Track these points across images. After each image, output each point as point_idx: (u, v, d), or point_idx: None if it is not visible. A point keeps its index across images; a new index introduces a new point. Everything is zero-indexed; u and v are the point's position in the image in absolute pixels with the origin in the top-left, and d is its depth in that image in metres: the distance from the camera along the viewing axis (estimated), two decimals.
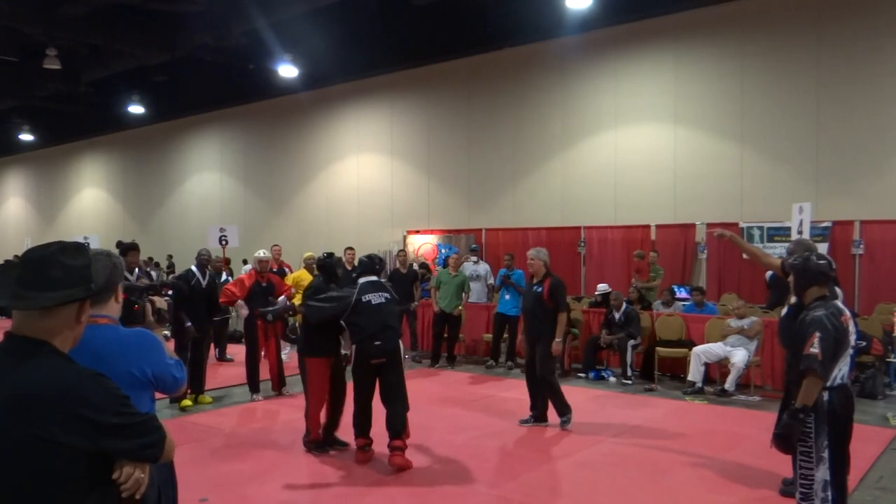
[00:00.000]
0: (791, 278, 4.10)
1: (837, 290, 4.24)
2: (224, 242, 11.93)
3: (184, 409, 7.67)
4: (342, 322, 5.85)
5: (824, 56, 10.86)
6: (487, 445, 6.32)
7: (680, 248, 12.00)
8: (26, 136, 23.39)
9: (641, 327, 9.43)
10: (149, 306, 2.72)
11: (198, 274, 8.09)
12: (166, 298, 2.87)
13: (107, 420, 1.81)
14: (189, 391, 7.78)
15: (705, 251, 11.73)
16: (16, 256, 13.43)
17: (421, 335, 11.18)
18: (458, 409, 7.74)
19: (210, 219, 18.83)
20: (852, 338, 3.84)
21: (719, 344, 8.55)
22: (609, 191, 12.94)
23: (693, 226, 11.86)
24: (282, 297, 8.75)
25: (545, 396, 6.99)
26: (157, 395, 2.55)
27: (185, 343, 7.57)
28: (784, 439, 3.65)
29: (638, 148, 12.62)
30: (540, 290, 6.82)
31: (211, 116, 20.15)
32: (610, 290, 10.07)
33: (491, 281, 11.34)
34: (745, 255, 9.82)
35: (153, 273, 14.01)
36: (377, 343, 5.68)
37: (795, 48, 11.08)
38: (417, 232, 15.46)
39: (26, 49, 15.08)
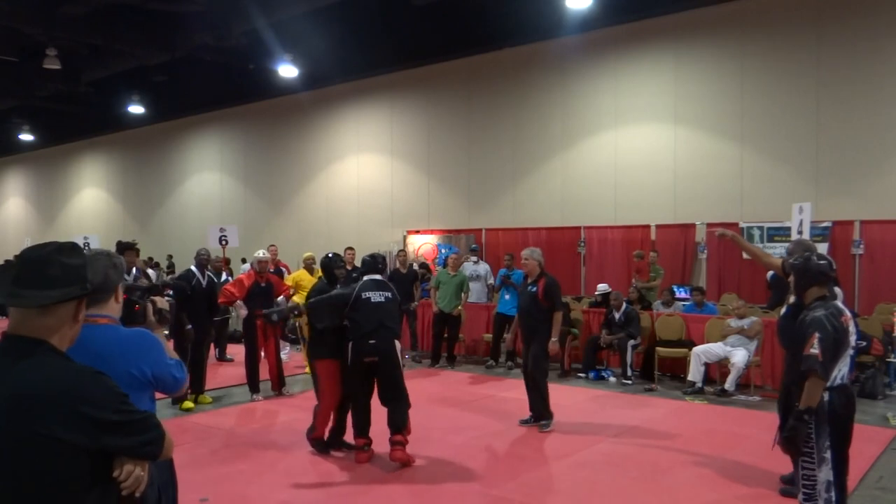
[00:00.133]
0: (791, 278, 4.10)
1: (837, 290, 4.24)
2: (224, 242, 11.93)
3: (186, 410, 7.66)
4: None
5: (824, 56, 10.86)
6: (487, 445, 6.32)
7: (680, 248, 12.00)
8: (26, 136, 23.39)
9: (641, 327, 9.44)
10: (150, 306, 2.72)
11: (197, 274, 8.09)
12: (168, 299, 2.86)
13: (107, 417, 1.82)
14: (189, 391, 7.78)
15: (705, 251, 11.73)
16: (16, 257, 13.40)
17: (421, 335, 11.18)
18: (458, 409, 7.74)
19: (210, 219, 18.82)
20: (852, 338, 3.85)
21: (719, 344, 8.55)
22: (609, 191, 12.94)
23: (693, 226, 11.86)
24: (281, 297, 8.76)
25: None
26: (159, 395, 2.55)
27: (184, 345, 7.56)
28: (791, 442, 3.65)
29: (638, 148, 12.62)
30: (535, 289, 6.80)
31: (211, 116, 20.14)
32: (610, 290, 10.07)
33: (491, 281, 11.35)
34: (745, 255, 9.83)
35: (152, 273, 14.02)
36: (371, 342, 5.69)
37: (795, 48, 11.08)
38: (417, 232, 15.46)
39: (26, 49, 15.07)
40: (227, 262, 12.62)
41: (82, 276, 1.91)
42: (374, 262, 6.13)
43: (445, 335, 10.47)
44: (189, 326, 7.57)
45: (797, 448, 3.66)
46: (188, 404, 7.74)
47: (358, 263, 8.58)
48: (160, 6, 13.19)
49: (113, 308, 2.44)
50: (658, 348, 9.04)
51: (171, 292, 7.79)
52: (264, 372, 8.44)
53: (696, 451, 6.09)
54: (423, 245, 15.21)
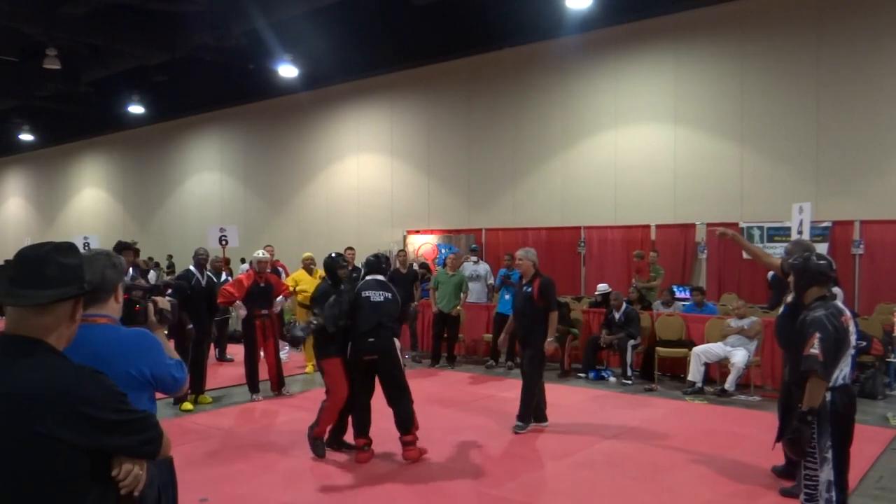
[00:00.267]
0: (791, 278, 4.10)
1: (837, 290, 4.25)
2: (224, 242, 11.93)
3: (186, 412, 7.66)
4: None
5: (824, 56, 10.85)
6: (487, 445, 6.32)
7: (680, 248, 12.00)
8: (26, 136, 23.38)
9: (641, 327, 9.44)
10: (151, 307, 2.72)
11: (196, 273, 8.09)
12: (169, 299, 2.85)
13: (106, 417, 1.83)
14: (189, 392, 7.77)
15: (705, 251, 11.73)
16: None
17: (421, 335, 11.19)
18: (458, 410, 7.74)
19: (210, 219, 18.82)
20: (853, 338, 3.85)
21: (719, 344, 8.55)
22: (609, 191, 12.94)
23: (693, 226, 11.86)
24: (280, 297, 8.76)
25: (542, 396, 6.99)
26: (159, 395, 2.55)
27: (185, 345, 7.56)
28: (796, 443, 3.65)
29: (638, 148, 12.62)
30: (530, 290, 6.78)
31: (211, 116, 20.14)
32: (610, 290, 10.07)
33: (491, 281, 11.35)
34: (745, 255, 9.83)
35: (152, 273, 14.02)
36: (370, 340, 5.71)
37: (795, 48, 11.08)
38: (417, 232, 15.46)
39: (26, 49, 15.07)
40: (226, 262, 12.62)
41: (79, 275, 1.92)
42: (378, 263, 6.15)
43: (445, 335, 10.47)
44: (190, 326, 7.57)
45: (802, 450, 3.66)
46: (187, 405, 7.74)
47: (358, 263, 8.58)
48: (160, 6, 13.18)
49: (112, 308, 2.44)
50: (658, 348, 9.04)
51: (169, 291, 7.79)
52: (264, 372, 8.44)
53: (696, 451, 6.09)
54: (423, 245, 15.21)
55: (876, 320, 9.06)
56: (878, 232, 10.35)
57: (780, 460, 5.39)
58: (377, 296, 5.88)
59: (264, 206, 19.14)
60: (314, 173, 17.91)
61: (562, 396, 8.21)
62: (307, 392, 8.70)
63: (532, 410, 6.83)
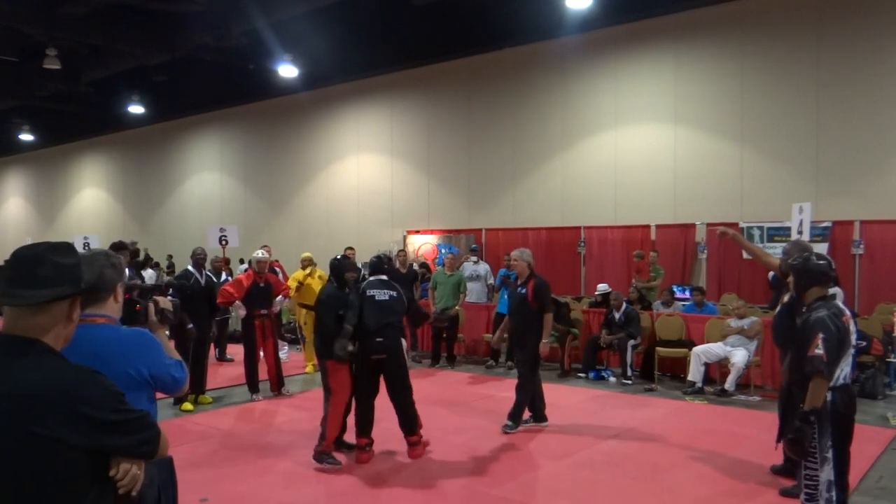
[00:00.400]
0: (791, 279, 4.11)
1: (838, 290, 4.25)
2: (224, 242, 11.92)
3: (186, 411, 7.65)
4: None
5: (824, 56, 10.85)
6: (487, 445, 6.32)
7: (680, 248, 11.99)
8: (26, 136, 23.38)
9: (641, 327, 9.43)
10: (151, 306, 2.71)
11: (195, 273, 8.08)
12: (171, 298, 2.85)
13: (106, 417, 1.83)
14: (189, 392, 7.77)
15: (705, 251, 11.73)
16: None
17: (421, 335, 11.18)
18: (458, 410, 7.74)
19: (210, 219, 18.82)
20: (853, 338, 3.85)
21: (719, 344, 8.54)
22: (609, 191, 12.94)
23: (693, 226, 11.85)
24: (279, 297, 8.75)
25: (541, 396, 6.98)
26: (160, 395, 2.55)
27: (186, 345, 7.55)
28: (797, 443, 3.65)
29: (638, 148, 12.62)
30: (524, 291, 6.76)
31: (211, 116, 20.14)
32: (610, 290, 10.07)
33: (491, 281, 11.34)
34: (746, 255, 9.83)
35: (152, 273, 14.02)
36: (378, 339, 5.72)
37: (795, 48, 11.08)
38: (417, 232, 15.46)
39: (26, 49, 15.07)
40: (226, 262, 12.62)
41: (75, 275, 1.91)
42: (381, 263, 6.17)
43: (444, 335, 10.47)
44: (191, 326, 7.57)
45: (804, 450, 3.66)
46: (188, 405, 7.73)
47: (359, 264, 8.60)
48: (160, 6, 13.18)
49: (112, 308, 2.43)
50: (658, 348, 9.03)
51: (171, 291, 7.78)
52: (263, 372, 8.44)
53: (696, 451, 6.09)
54: (423, 245, 15.21)
55: (876, 320, 9.06)
56: (878, 232, 10.35)
57: (779, 460, 5.39)
58: (382, 294, 5.89)
59: (264, 206, 19.14)
60: (314, 173, 17.91)
61: (562, 396, 8.21)
62: (307, 392, 8.70)
63: (524, 411, 6.81)
